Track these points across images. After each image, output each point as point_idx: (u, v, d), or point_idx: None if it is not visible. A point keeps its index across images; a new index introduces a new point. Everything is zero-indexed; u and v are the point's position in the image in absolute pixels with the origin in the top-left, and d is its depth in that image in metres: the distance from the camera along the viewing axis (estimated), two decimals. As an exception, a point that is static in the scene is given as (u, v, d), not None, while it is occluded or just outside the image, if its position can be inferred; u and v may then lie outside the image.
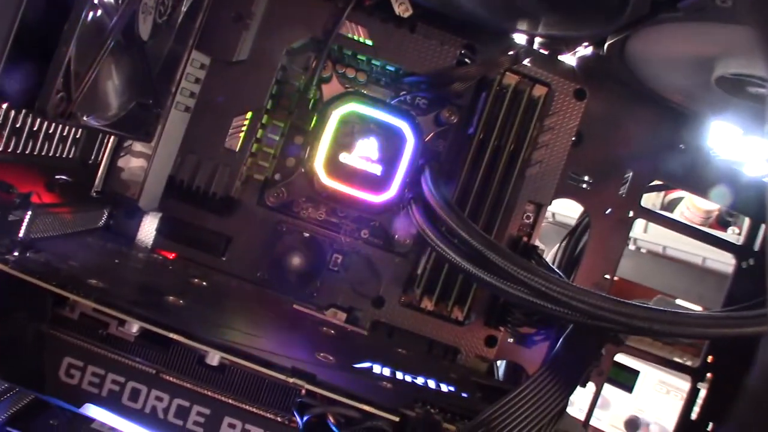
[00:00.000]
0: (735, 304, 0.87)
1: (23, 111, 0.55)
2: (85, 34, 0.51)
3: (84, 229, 0.77)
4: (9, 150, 0.54)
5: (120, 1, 0.56)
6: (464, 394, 0.70)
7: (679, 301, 1.48)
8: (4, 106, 0.53)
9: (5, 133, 0.53)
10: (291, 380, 0.59)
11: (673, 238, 1.05)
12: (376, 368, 0.68)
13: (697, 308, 1.42)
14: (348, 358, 0.68)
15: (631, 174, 0.90)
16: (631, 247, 1.44)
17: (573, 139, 0.85)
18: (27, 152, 0.58)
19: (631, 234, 1.22)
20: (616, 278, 1.59)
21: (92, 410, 0.60)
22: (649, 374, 1.40)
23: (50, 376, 0.60)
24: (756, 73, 0.64)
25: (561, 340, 0.65)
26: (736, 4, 0.54)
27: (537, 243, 1.30)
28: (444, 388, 0.70)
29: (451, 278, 0.82)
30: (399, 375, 0.68)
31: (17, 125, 0.54)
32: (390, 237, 0.83)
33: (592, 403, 0.93)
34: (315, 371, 0.59)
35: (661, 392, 1.35)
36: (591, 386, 0.95)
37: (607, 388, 1.50)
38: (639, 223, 1.44)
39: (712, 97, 0.73)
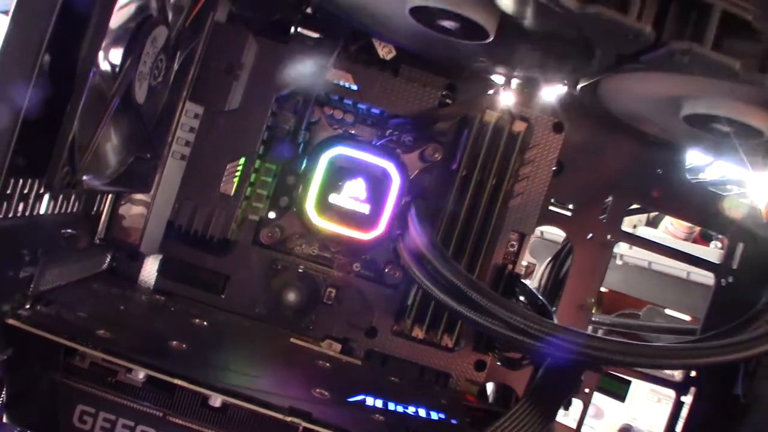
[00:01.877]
0: (715, 321, 0.92)
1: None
2: (85, 107, 0.55)
3: (90, 274, 0.80)
4: (18, 215, 0.58)
5: (117, 71, 0.60)
6: (453, 421, 0.75)
7: (668, 311, 1.52)
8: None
9: (14, 200, 0.57)
10: (288, 419, 0.63)
11: (656, 254, 1.09)
12: (369, 400, 0.72)
13: (686, 317, 1.46)
14: (342, 393, 0.72)
15: (611, 199, 0.94)
16: (618, 262, 1.48)
17: (554, 169, 0.89)
18: (35, 214, 0.62)
19: (617, 250, 1.26)
20: (606, 290, 1.64)
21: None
22: (641, 384, 1.44)
23: (64, 423, 0.64)
24: (719, 113, 0.68)
25: (541, 370, 0.69)
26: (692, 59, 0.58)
27: (525, 262, 1.35)
28: (434, 415, 0.74)
29: (439, 309, 0.85)
30: (391, 406, 0.72)
31: (25, 191, 0.58)
32: (381, 270, 0.87)
33: (581, 418, 0.96)
34: (311, 409, 0.63)
35: (652, 401, 1.39)
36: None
37: (601, 398, 1.55)
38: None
39: (684, 131, 0.77)
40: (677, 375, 1.06)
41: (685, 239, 1.45)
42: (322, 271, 0.88)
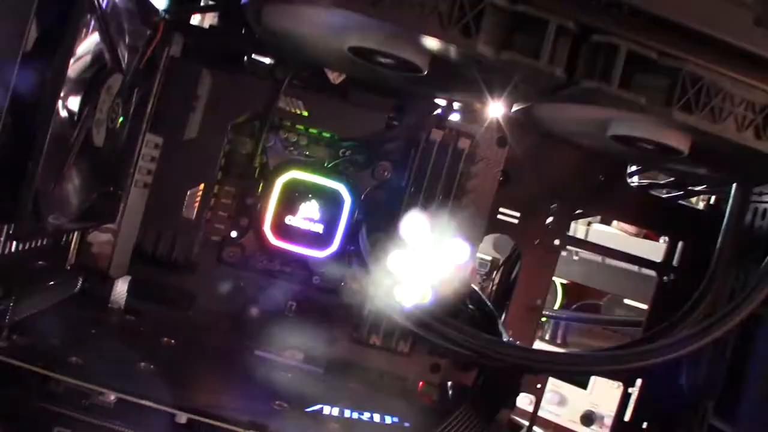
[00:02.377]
0: (658, 316, 0.99)
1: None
2: (47, 155, 0.60)
3: (63, 297, 0.85)
4: (-11, 255, 0.63)
5: (75, 119, 0.65)
6: (406, 424, 0.81)
7: (627, 301, 1.59)
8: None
9: (-16, 244, 0.62)
10: (250, 432, 0.69)
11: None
12: (326, 409, 0.78)
13: (644, 306, 1.53)
14: (301, 403, 0.78)
15: (556, 206, 1.00)
16: (575, 257, 1.55)
17: (499, 180, 0.95)
18: (5, 253, 0.67)
19: (573, 248, 1.32)
20: (567, 281, 1.71)
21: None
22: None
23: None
24: (639, 135, 0.74)
25: (481, 376, 0.76)
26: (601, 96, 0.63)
27: (489, 257, 1.41)
28: (388, 419, 0.81)
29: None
30: (347, 413, 0.78)
31: (-6, 233, 0.63)
32: (338, 282, 0.93)
33: (534, 412, 1.02)
34: (269, 422, 0.69)
35: (614, 387, 1.46)
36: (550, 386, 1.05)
37: (564, 386, 1.62)
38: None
39: (616, 146, 0.83)
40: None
41: (636, 235, 1.52)
42: (283, 285, 0.93)
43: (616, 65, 0.62)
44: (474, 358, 0.70)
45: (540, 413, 1.04)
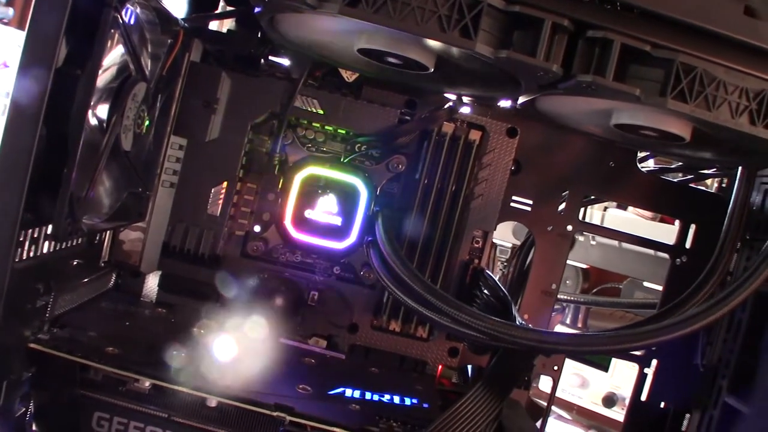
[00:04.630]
0: (672, 298, 1.01)
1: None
2: (80, 161, 0.65)
3: (98, 293, 0.91)
4: (30, 256, 0.68)
5: (104, 126, 0.70)
6: (425, 405, 0.85)
7: (646, 284, 1.61)
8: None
9: (26, 246, 0.67)
10: (275, 414, 0.73)
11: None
12: (348, 392, 0.82)
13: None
14: (324, 387, 0.82)
15: (567, 192, 1.03)
16: (593, 242, 1.57)
17: (511, 169, 0.98)
18: (44, 252, 0.72)
19: (590, 233, 1.34)
20: (587, 266, 1.73)
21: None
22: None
23: (85, 429, 0.75)
24: (641, 123, 0.76)
25: (495, 357, 0.79)
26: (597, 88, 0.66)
27: (509, 243, 1.44)
28: (407, 401, 0.85)
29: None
30: (368, 395, 0.83)
31: (35, 236, 0.68)
32: (358, 272, 0.97)
33: (552, 393, 1.06)
34: (294, 404, 0.74)
35: (634, 370, 1.48)
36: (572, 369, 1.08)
37: (586, 369, 1.65)
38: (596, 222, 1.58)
39: (621, 135, 0.85)
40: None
41: (653, 219, 1.54)
42: (305, 276, 0.98)
43: (611, 59, 0.65)
44: (485, 340, 0.73)
45: (562, 396, 1.07)
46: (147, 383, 0.75)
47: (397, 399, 0.85)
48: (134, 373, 0.73)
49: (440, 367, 1.00)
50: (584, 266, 1.74)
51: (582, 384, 1.62)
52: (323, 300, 0.98)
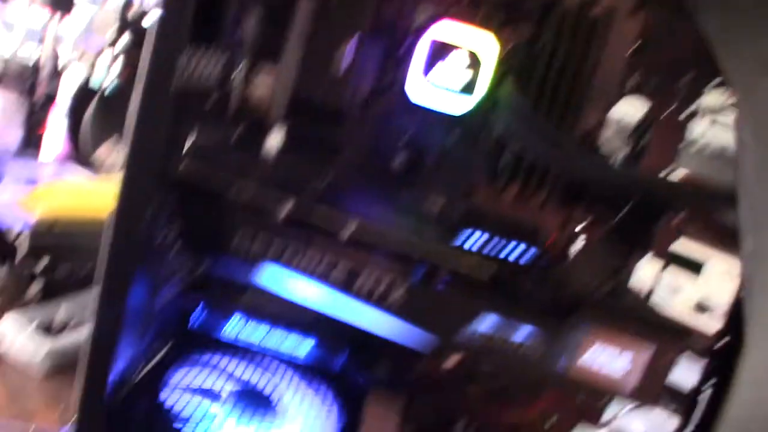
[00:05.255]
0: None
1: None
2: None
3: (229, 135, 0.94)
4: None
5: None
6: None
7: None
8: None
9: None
10: (408, 241, 0.76)
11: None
12: (475, 236, 0.84)
13: None
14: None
15: (692, 74, 1.01)
16: (693, 148, 1.53)
17: (633, 48, 0.96)
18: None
19: (694, 135, 1.31)
20: (683, 172, 1.69)
21: (263, 269, 0.79)
22: (717, 262, 1.52)
23: (227, 249, 0.79)
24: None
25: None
26: None
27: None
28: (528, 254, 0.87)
29: (530, 170, 0.97)
30: (491, 243, 0.84)
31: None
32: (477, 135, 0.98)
33: (657, 277, 1.06)
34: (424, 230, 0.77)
35: (725, 280, 1.47)
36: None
37: (678, 275, 1.63)
38: (702, 125, 1.53)
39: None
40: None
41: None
42: (424, 137, 0.99)
43: None
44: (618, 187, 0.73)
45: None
46: (287, 208, 0.79)
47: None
48: (272, 200, 0.77)
49: (553, 236, 1.01)
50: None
51: (674, 289, 1.61)
52: (440, 161, 0.99)
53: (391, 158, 0.99)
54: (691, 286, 1.59)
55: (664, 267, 1.09)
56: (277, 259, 0.79)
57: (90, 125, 1.69)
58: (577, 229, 1.00)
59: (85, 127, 1.69)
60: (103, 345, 0.71)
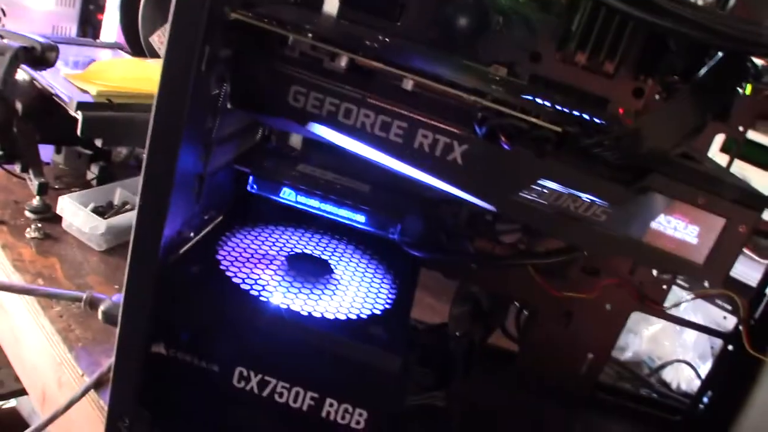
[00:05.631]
0: None
1: None
2: None
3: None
4: None
5: None
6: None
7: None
8: None
9: None
10: (472, 98, 0.72)
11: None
12: (539, 100, 0.79)
13: None
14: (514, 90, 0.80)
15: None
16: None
17: None
18: None
19: None
20: None
21: (315, 128, 0.76)
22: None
23: (280, 102, 0.76)
24: None
25: (706, 69, 0.72)
26: None
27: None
28: (597, 120, 0.81)
29: (602, 34, 0.90)
30: (558, 107, 0.79)
31: None
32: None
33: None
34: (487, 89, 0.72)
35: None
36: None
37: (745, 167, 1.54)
38: None
39: None
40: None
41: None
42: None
43: None
44: (703, 36, 0.67)
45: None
46: (344, 62, 0.75)
47: (586, 116, 0.81)
48: (333, 46, 0.73)
49: (620, 110, 0.95)
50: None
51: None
52: (509, 24, 0.93)
53: (457, 18, 0.93)
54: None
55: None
56: (332, 117, 0.75)
57: (144, 10, 1.66)
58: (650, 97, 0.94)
59: (140, 12, 1.66)
60: (152, 207, 0.69)
